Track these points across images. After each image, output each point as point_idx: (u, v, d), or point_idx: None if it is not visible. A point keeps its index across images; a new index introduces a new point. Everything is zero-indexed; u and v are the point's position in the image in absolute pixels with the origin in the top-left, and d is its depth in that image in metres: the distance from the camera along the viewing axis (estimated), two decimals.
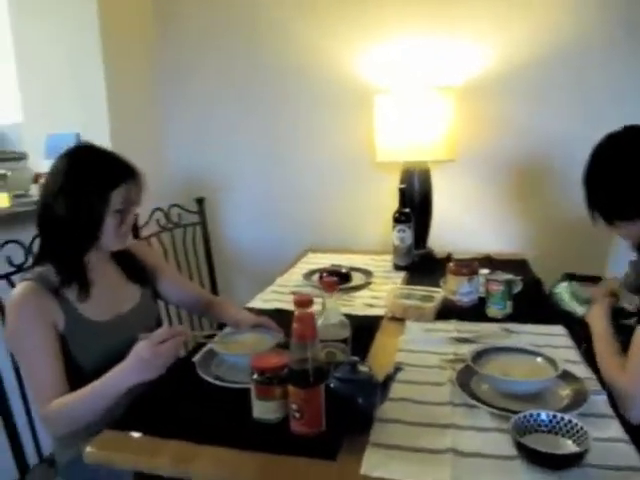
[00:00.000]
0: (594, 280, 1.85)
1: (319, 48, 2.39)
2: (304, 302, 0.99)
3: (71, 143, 2.27)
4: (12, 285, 1.52)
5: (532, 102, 2.23)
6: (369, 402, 1.05)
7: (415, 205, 2.16)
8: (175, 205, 2.19)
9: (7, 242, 1.52)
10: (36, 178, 2.35)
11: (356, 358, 1.10)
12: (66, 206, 1.27)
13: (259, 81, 2.50)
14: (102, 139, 2.33)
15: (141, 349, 1.12)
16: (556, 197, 2.28)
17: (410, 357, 1.35)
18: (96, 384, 1.17)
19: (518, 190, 2.32)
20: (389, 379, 1.09)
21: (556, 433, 0.97)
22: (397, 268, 2.09)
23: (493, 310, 1.57)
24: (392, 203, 2.08)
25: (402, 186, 2.07)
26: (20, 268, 1.55)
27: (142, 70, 2.55)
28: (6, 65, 2.44)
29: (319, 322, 1.17)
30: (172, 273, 1.66)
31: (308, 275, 1.99)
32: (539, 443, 0.93)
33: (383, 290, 1.84)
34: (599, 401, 1.10)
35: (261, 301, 1.79)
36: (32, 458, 1.52)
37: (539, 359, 1.19)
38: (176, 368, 1.28)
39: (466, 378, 1.18)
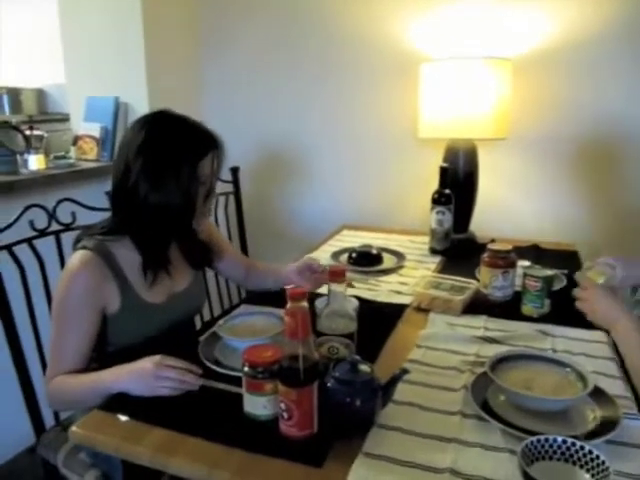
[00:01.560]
0: None
1: (364, 12, 2.23)
2: (297, 295, 0.90)
3: (110, 106, 2.32)
4: (34, 250, 1.52)
5: (595, 80, 1.99)
6: (367, 406, 0.96)
7: (459, 185, 2.00)
8: None
9: (29, 206, 1.51)
10: (75, 140, 2.35)
11: (357, 357, 1.01)
12: (153, 187, 1.18)
13: (302, 48, 2.38)
14: (140, 104, 2.30)
15: (151, 360, 1.06)
16: (615, 184, 2.06)
17: (427, 355, 1.24)
18: (95, 376, 1.13)
19: (573, 175, 2.11)
20: (393, 382, 1.00)
21: (573, 463, 0.84)
22: (433, 252, 1.96)
23: (529, 308, 1.43)
24: (435, 182, 1.94)
25: (444, 165, 1.92)
26: (42, 232, 1.54)
27: (182, 35, 2.48)
28: (51, 25, 2.44)
29: (323, 313, 1.08)
30: (232, 254, 1.59)
31: (337, 254, 1.90)
32: (551, 474, 0.82)
33: (414, 276, 1.72)
34: (633, 428, 0.96)
35: None
36: (51, 423, 1.53)
37: (568, 371, 1.06)
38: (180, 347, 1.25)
39: (483, 386, 1.06)
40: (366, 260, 1.81)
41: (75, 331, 1.18)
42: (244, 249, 2.37)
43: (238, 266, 1.59)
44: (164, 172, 1.18)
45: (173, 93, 2.42)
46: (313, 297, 1.35)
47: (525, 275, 1.44)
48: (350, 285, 1.47)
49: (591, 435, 0.91)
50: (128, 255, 1.24)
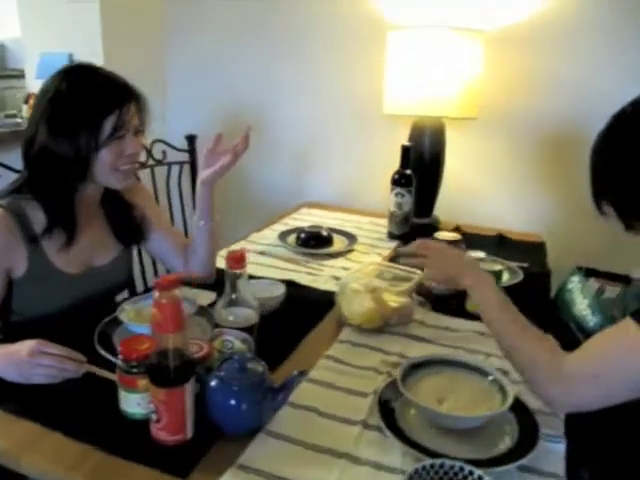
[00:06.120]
0: (619, 280, 1.54)
1: None
2: (165, 284, 0.78)
3: (63, 63, 2.17)
4: None
5: (576, 58, 1.83)
6: (253, 410, 0.85)
7: (424, 167, 1.87)
8: (159, 140, 1.99)
9: None
10: (27, 98, 2.22)
11: (249, 354, 0.90)
12: (49, 136, 1.11)
13: (269, 15, 2.21)
14: (96, 62, 2.15)
15: (26, 345, 0.95)
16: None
17: (348, 351, 1.13)
18: None
19: (547, 160, 1.95)
20: (288, 384, 0.89)
21: None
22: (391, 237, 1.83)
23: (474, 304, 1.31)
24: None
25: (407, 144, 1.78)
26: None
27: None
28: None
29: (219, 304, 0.97)
30: (165, 231, 1.42)
31: (285, 234, 1.77)
32: None
33: (361, 261, 1.61)
34: (552, 453, 0.85)
35: (222, 258, 1.59)
36: None
37: (490, 380, 0.95)
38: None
39: (393, 394, 0.95)
40: (315, 242, 1.69)
41: None
42: None
43: (171, 249, 1.41)
44: (62, 121, 1.11)
45: (133, 52, 2.27)
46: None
47: None
48: None
49: (505, 458, 0.81)
50: (41, 216, 1.14)
